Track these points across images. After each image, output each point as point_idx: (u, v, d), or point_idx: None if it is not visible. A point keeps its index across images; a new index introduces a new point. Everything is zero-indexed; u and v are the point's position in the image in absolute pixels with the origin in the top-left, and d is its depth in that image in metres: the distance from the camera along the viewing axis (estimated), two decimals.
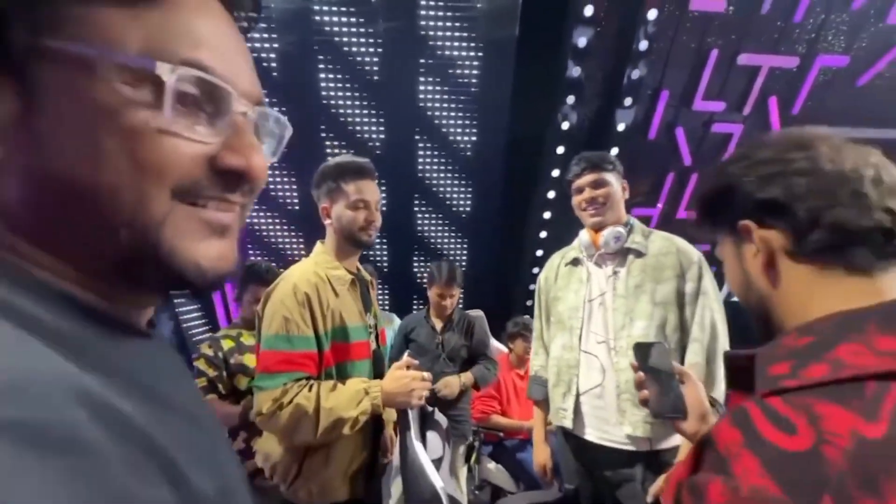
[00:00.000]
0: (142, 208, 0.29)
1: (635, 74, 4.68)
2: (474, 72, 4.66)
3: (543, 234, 5.37)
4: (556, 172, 5.04)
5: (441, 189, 5.14)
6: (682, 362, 1.42)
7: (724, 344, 1.39)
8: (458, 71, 4.64)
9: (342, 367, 1.22)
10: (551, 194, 5.16)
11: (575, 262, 1.67)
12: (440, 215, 5.27)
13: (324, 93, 4.52)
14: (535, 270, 5.48)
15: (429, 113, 4.76)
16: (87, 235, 0.29)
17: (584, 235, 1.62)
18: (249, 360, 1.97)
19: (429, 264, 4.04)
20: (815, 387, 0.44)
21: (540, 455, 1.69)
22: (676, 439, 1.40)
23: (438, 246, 5.38)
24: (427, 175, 5.08)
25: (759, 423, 0.44)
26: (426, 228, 5.29)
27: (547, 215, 5.27)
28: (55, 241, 0.29)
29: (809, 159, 0.50)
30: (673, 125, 5.20)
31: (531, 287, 5.60)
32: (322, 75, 4.42)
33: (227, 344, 1.97)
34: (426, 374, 1.20)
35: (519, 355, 2.89)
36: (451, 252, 5.34)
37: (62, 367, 0.21)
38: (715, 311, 1.40)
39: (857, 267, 0.48)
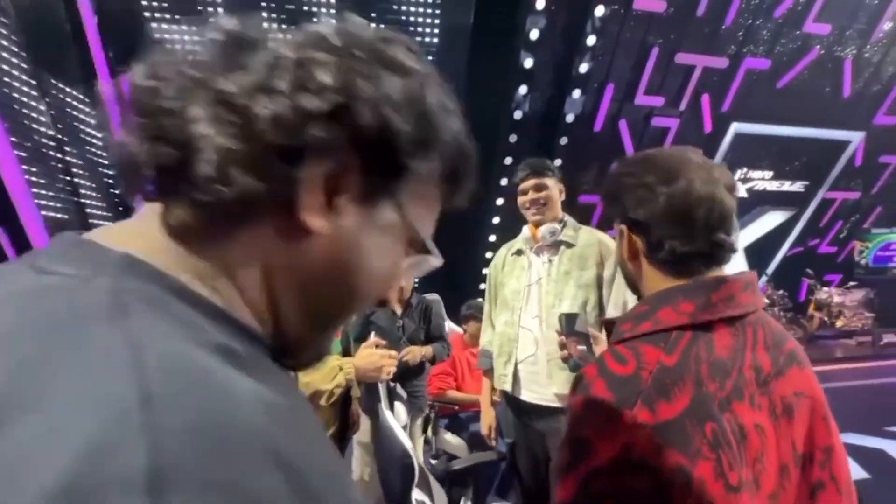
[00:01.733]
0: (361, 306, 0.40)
1: (583, 68, 4.92)
2: (429, 58, 4.72)
3: (496, 220, 5.56)
4: (508, 160, 5.22)
5: None
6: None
7: None
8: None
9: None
10: (503, 181, 5.35)
11: (518, 252, 1.89)
12: None
13: None
14: (489, 255, 5.69)
15: None
16: (325, 314, 0.38)
17: (526, 230, 1.85)
18: None
19: None
20: (642, 336, 0.66)
21: (486, 417, 1.98)
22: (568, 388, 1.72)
23: None
24: None
25: (607, 360, 0.65)
26: None
27: (499, 202, 5.46)
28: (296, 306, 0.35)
29: (670, 196, 0.67)
30: (617, 117, 5.53)
31: (484, 271, 5.81)
32: None
33: None
34: (393, 353, 1.30)
35: (472, 335, 3.05)
36: None
37: (265, 422, 0.23)
38: (627, 293, 1.65)
39: (686, 273, 0.69)
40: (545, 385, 1.72)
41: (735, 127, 5.93)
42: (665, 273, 0.69)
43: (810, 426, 0.65)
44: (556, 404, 1.70)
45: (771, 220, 6.95)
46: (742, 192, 6.60)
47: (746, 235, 6.98)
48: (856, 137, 6.54)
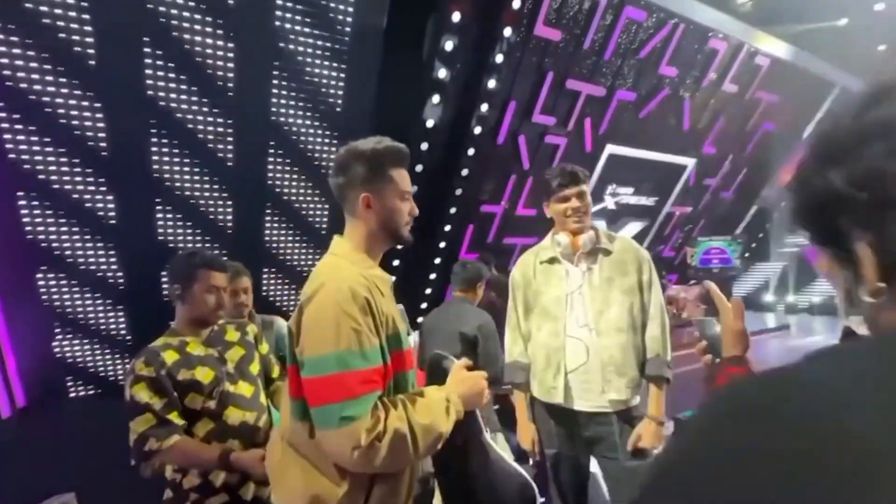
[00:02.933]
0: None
1: (491, 83, 5.15)
2: (342, 66, 4.46)
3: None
4: (419, 167, 5.20)
5: (301, 189, 4.75)
6: (643, 336, 1.74)
7: (668, 321, 1.75)
8: (325, 62, 4.38)
9: (399, 378, 1.07)
10: (414, 188, 5.32)
11: (551, 260, 1.84)
12: (296, 214, 4.87)
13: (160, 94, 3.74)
14: (394, 262, 5.59)
15: (292, 100, 4.37)
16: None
17: (563, 238, 1.80)
18: (203, 373, 1.56)
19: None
20: None
21: (527, 432, 1.85)
22: (638, 398, 1.73)
23: (291, 255, 4.98)
24: (304, 154, 4.67)
25: None
26: (279, 236, 4.87)
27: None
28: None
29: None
30: (517, 133, 5.90)
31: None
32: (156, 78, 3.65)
33: (169, 357, 1.53)
34: (484, 373, 1.16)
35: None
36: (308, 259, 5.03)
37: None
38: (661, 296, 1.76)
39: None
40: (599, 393, 1.71)
41: (609, 148, 6.79)
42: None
43: None
44: (610, 409, 1.72)
45: (631, 229, 8.12)
46: (612, 205, 7.60)
47: None
48: (690, 163, 8.01)
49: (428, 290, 6.01)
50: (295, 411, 1.04)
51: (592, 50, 5.87)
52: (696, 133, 7.72)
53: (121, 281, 3.94)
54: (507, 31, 4.90)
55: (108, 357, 4.05)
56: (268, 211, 4.59)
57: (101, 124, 3.58)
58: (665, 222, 8.60)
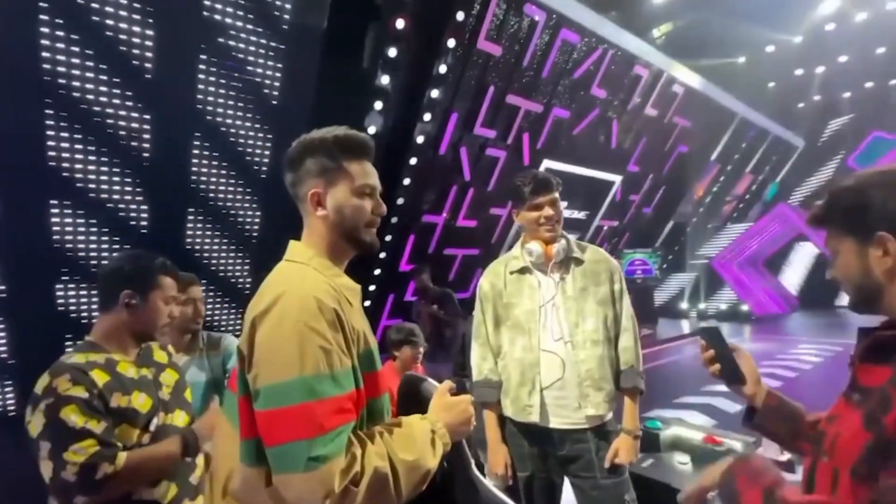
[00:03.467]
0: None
1: (434, 94, 5.12)
2: (278, 64, 4.20)
3: None
4: None
5: (230, 191, 4.39)
6: (616, 347, 1.69)
7: (638, 331, 1.73)
8: (261, 59, 4.11)
9: (372, 405, 0.91)
10: None
11: (523, 270, 1.75)
12: (223, 218, 4.48)
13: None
14: None
15: (222, 97, 4.04)
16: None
17: (535, 247, 1.70)
18: (140, 401, 1.26)
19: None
20: None
21: (499, 455, 1.71)
22: (603, 408, 1.66)
23: (216, 262, 4.58)
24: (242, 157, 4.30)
25: None
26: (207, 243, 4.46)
27: None
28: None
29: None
30: (458, 144, 5.92)
31: None
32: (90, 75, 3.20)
33: (99, 377, 1.21)
34: (469, 397, 0.99)
35: (405, 362, 2.72)
36: (237, 266, 4.65)
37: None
38: (630, 306, 1.73)
39: None
40: (575, 409, 1.63)
41: (545, 163, 7.03)
42: None
43: None
44: (586, 426, 1.63)
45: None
46: None
47: None
48: (617, 179, 8.52)
49: (367, 303, 5.80)
50: (246, 455, 0.83)
51: (531, 67, 6.07)
52: (622, 152, 8.24)
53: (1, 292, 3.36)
54: (451, 43, 4.91)
55: None
56: (190, 214, 4.17)
57: None
58: (595, 235, 9.06)
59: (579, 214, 8.34)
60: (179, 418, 1.38)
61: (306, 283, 0.87)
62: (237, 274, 4.64)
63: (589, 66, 6.66)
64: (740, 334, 9.39)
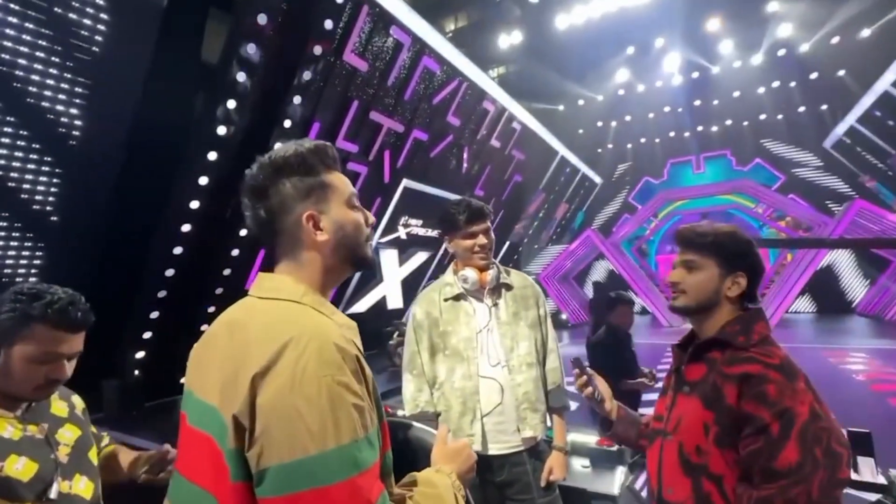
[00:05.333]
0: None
1: (296, 99, 4.79)
2: (97, 37, 3.42)
3: (178, 251, 4.49)
4: (203, 180, 4.38)
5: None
6: (543, 368, 1.73)
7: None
8: (80, 36, 3.28)
9: (385, 461, 0.77)
10: (195, 204, 4.44)
11: (457, 297, 1.66)
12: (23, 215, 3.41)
13: None
14: (162, 294, 4.50)
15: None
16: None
17: (470, 273, 1.64)
18: (18, 467, 0.98)
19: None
20: (759, 342, 1.02)
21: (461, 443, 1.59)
22: (540, 429, 1.69)
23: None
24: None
25: (763, 358, 0.99)
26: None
27: (186, 228, 4.47)
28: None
29: (757, 256, 1.12)
30: None
31: (152, 315, 4.55)
32: None
33: None
34: (468, 441, 0.84)
35: None
36: (26, 263, 3.56)
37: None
38: (552, 329, 1.80)
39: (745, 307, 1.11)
40: (513, 433, 1.65)
41: (405, 182, 7.17)
42: (737, 307, 1.09)
43: None
44: (523, 448, 1.65)
45: (419, 258, 8.70)
46: (403, 235, 8.00)
47: (404, 270, 8.47)
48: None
49: (204, 327, 5.02)
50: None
51: (395, 87, 6.16)
52: (470, 176, 8.92)
53: None
54: (317, 50, 4.68)
55: None
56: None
57: None
58: (445, 253, 9.56)
59: (432, 233, 8.70)
60: (81, 484, 1.10)
61: (319, 328, 0.70)
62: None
63: (446, 94, 7.07)
64: (560, 339, 10.91)
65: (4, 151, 3.24)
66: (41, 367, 0.98)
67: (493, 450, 1.68)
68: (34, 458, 0.99)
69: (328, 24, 4.66)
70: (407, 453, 0.88)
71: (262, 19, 4.12)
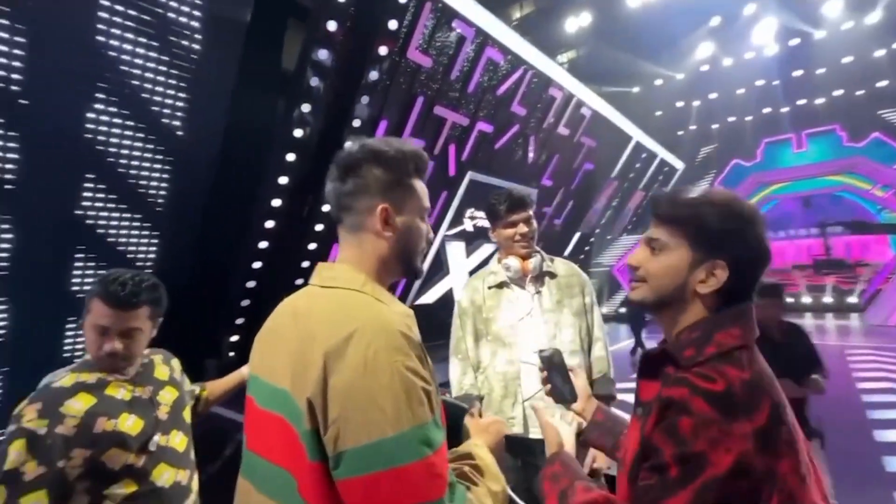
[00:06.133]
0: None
1: (364, 99, 5.03)
2: (190, 65, 3.83)
3: (264, 245, 4.94)
4: (284, 179, 4.76)
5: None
6: (589, 356, 1.76)
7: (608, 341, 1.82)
8: (180, 52, 3.71)
9: None
10: (277, 202, 4.84)
11: (500, 285, 1.76)
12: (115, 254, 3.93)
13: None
14: (251, 285, 4.97)
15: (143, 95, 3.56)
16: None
17: (512, 262, 1.73)
18: (129, 423, 1.16)
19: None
20: (714, 357, 0.76)
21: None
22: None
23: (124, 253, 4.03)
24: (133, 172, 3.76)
25: (697, 381, 0.73)
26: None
27: (270, 224, 4.89)
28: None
29: (758, 239, 0.81)
30: None
31: (243, 303, 5.04)
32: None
33: (82, 402, 1.12)
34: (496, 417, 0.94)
35: None
36: (143, 257, 4.12)
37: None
38: (601, 317, 1.82)
39: (733, 304, 0.80)
40: (552, 417, 1.69)
41: (470, 174, 7.23)
42: (715, 304, 0.79)
43: None
44: None
45: (486, 250, 8.74)
46: (470, 227, 8.08)
47: (471, 261, 8.56)
48: (533, 193, 9.04)
49: None
50: (282, 485, 0.70)
51: (458, 80, 6.23)
52: (537, 167, 8.76)
53: None
54: (383, 50, 4.87)
55: None
56: (80, 251, 3.62)
57: None
58: None
59: None
60: (177, 439, 1.30)
61: (382, 316, 0.74)
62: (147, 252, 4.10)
63: (511, 84, 7.00)
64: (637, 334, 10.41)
65: (129, 152, 3.75)
66: (97, 339, 1.17)
67: (535, 434, 1.71)
68: (141, 416, 1.21)
69: (392, 24, 4.83)
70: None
71: (331, 25, 4.37)
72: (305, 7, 4.67)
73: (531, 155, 8.33)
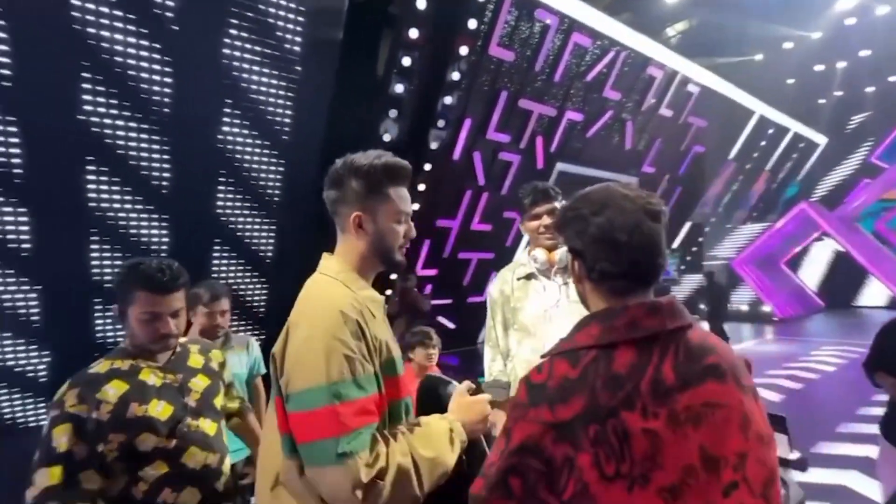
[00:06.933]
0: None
1: (448, 100, 5.20)
2: (292, 82, 4.33)
3: None
4: None
5: (248, 217, 4.51)
6: None
7: None
8: (278, 73, 4.24)
9: (394, 407, 1.00)
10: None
11: (528, 276, 1.83)
12: (242, 244, 4.59)
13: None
14: None
15: (240, 127, 4.16)
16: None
17: (539, 254, 1.80)
18: (159, 409, 1.29)
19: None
20: (562, 352, 0.83)
21: None
22: None
23: (237, 284, 4.70)
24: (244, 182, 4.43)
25: (532, 371, 0.84)
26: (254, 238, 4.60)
27: None
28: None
29: (598, 225, 0.82)
30: (472, 149, 5.99)
31: None
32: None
33: (115, 388, 1.26)
34: (488, 396, 1.07)
35: (419, 363, 2.82)
36: (255, 289, 4.77)
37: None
38: None
39: (618, 294, 0.83)
40: None
41: (559, 166, 7.05)
42: (601, 294, 0.85)
43: (723, 433, 0.74)
44: None
45: None
46: None
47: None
48: (633, 181, 8.47)
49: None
50: (284, 447, 0.94)
51: (543, 71, 6.11)
52: (636, 153, 8.20)
53: (40, 317, 3.54)
54: (463, 50, 4.98)
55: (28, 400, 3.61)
56: (216, 241, 4.33)
57: (25, 152, 3.26)
58: None
59: None
60: (206, 425, 1.39)
61: (332, 297, 0.97)
62: (256, 293, 4.76)
63: (602, 69, 6.66)
64: (761, 335, 9.22)
65: (251, 157, 4.39)
66: (151, 325, 1.27)
67: None
68: (170, 402, 1.30)
69: (472, 23, 4.92)
70: (441, 403, 1.05)
71: (413, 33, 4.60)
72: (392, 16, 4.96)
73: (628, 141, 7.82)
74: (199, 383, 1.43)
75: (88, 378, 1.27)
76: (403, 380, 1.02)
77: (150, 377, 1.33)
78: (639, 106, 7.66)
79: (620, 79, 6.98)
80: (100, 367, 1.30)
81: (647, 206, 0.81)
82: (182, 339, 1.46)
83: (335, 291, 0.98)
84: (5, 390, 3.51)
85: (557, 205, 1.78)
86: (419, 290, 5.72)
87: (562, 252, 1.77)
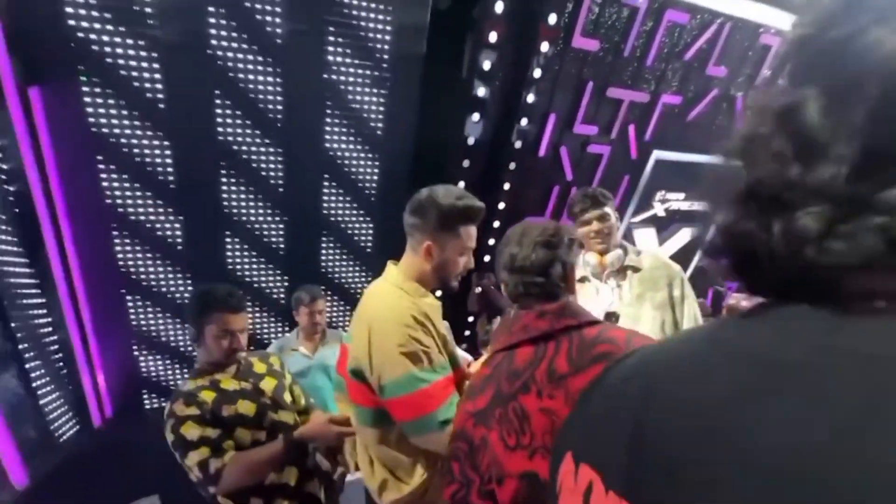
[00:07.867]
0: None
1: (530, 98, 5.20)
2: (383, 90, 4.70)
3: None
4: (461, 184, 5.31)
5: (351, 215, 5.02)
6: None
7: None
8: (366, 87, 4.64)
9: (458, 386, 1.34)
10: None
11: (582, 279, 1.90)
12: (347, 237, 5.10)
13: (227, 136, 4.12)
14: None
15: (341, 133, 4.65)
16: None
17: (591, 258, 1.87)
18: (245, 407, 1.57)
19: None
20: (486, 358, 1.11)
21: None
22: None
23: (343, 276, 5.22)
24: (338, 181, 4.94)
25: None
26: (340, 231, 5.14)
27: None
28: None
29: (500, 255, 1.19)
30: (558, 144, 5.90)
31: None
32: (220, 118, 4.02)
33: (207, 396, 1.53)
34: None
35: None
36: (359, 279, 5.25)
37: None
38: (696, 310, 1.76)
39: (521, 307, 1.14)
40: None
41: (656, 154, 6.61)
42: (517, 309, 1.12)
43: None
44: None
45: (684, 235, 7.81)
46: (661, 211, 7.36)
47: (666, 248, 7.78)
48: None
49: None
50: (364, 418, 1.27)
51: (633, 56, 5.80)
52: None
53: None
54: (545, 46, 4.95)
55: (183, 372, 4.42)
56: (323, 236, 4.88)
57: (170, 161, 3.97)
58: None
59: (699, 206, 7.64)
60: (286, 416, 1.68)
61: (402, 304, 1.26)
62: (360, 282, 5.24)
63: (702, 45, 6.11)
64: None
65: (343, 209, 4.86)
66: (224, 340, 1.60)
67: None
68: (252, 401, 1.57)
69: (552, 18, 4.87)
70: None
71: (493, 35, 4.70)
72: (473, 21, 5.10)
73: (739, 121, 7.05)
74: (268, 384, 1.75)
75: (184, 392, 1.53)
76: (457, 373, 1.27)
77: (230, 385, 1.60)
78: (751, 81, 6.86)
79: (726, 53, 6.33)
80: (188, 386, 1.57)
81: (537, 238, 1.07)
82: (241, 354, 1.72)
83: (403, 299, 1.27)
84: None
85: (608, 210, 1.80)
86: (497, 289, 5.80)
87: (612, 256, 1.79)
